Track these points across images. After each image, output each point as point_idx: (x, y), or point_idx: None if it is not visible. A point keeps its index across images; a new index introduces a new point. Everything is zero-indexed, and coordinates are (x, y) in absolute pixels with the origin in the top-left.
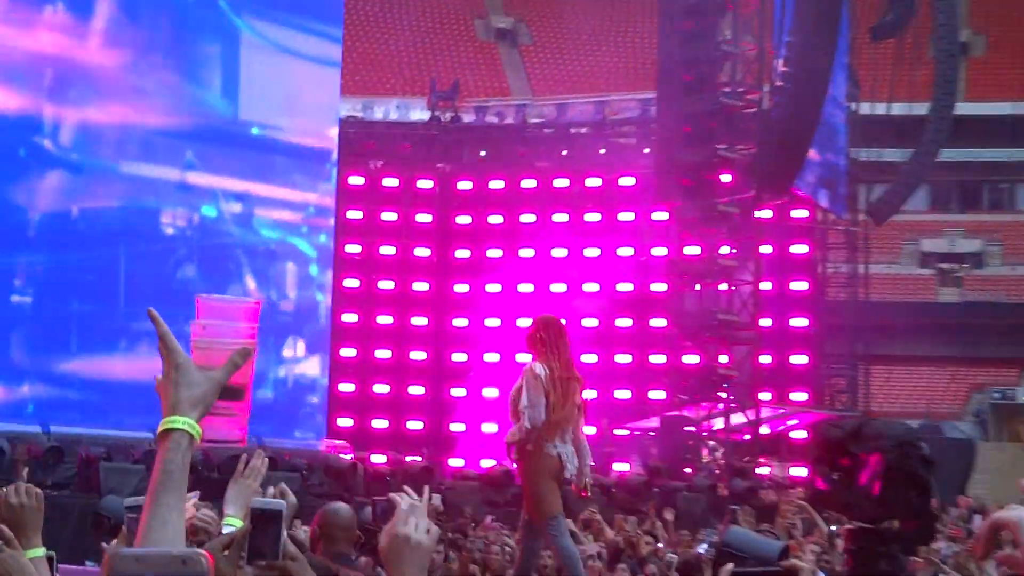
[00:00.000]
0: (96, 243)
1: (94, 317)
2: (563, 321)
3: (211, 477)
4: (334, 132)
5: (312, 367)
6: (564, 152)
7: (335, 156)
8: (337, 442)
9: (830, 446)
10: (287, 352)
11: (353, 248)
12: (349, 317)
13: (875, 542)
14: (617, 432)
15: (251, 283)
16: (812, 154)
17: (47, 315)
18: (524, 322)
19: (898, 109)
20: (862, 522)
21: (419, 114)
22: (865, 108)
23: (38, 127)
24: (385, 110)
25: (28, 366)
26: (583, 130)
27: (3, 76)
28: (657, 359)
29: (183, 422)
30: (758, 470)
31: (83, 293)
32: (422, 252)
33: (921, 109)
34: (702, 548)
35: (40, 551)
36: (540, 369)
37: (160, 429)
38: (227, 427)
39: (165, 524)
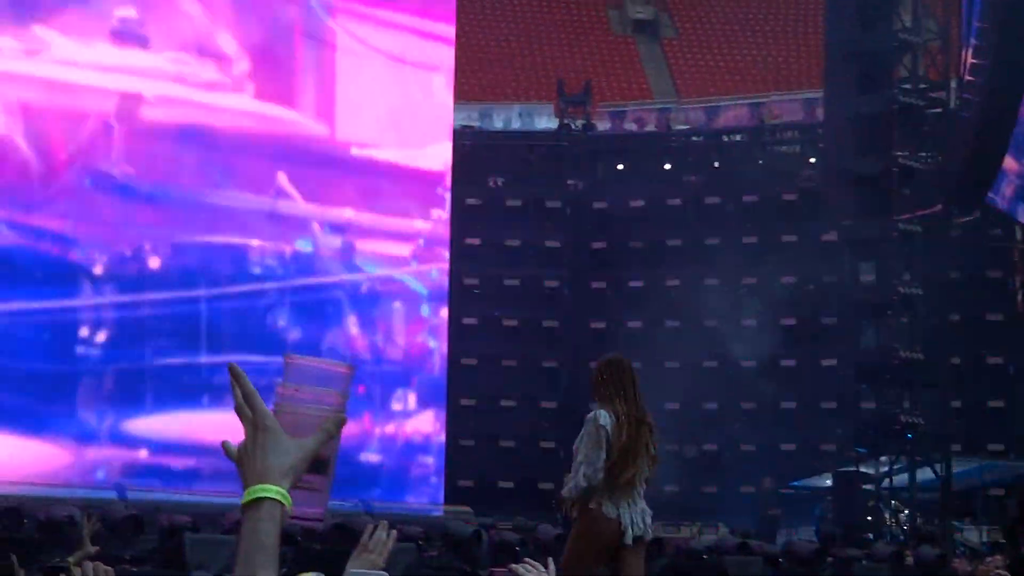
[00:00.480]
0: (173, 284)
1: (172, 370)
2: (630, 361)
3: (312, 548)
4: (447, 149)
5: (425, 422)
6: (715, 164)
7: (449, 178)
8: (457, 507)
9: None
10: (396, 406)
11: (472, 279)
12: (468, 359)
13: None
14: (782, 491)
15: (353, 328)
16: (1009, 161)
17: (118, 368)
18: (672, 364)
19: None
20: None
21: (546, 122)
22: None
23: (104, 151)
24: (506, 118)
25: (97, 426)
26: (737, 137)
27: (61, 93)
28: (828, 405)
29: (275, 491)
30: (950, 535)
31: (159, 342)
32: (552, 283)
33: None
34: None
35: None
36: (605, 419)
37: (248, 498)
38: (308, 503)
39: None
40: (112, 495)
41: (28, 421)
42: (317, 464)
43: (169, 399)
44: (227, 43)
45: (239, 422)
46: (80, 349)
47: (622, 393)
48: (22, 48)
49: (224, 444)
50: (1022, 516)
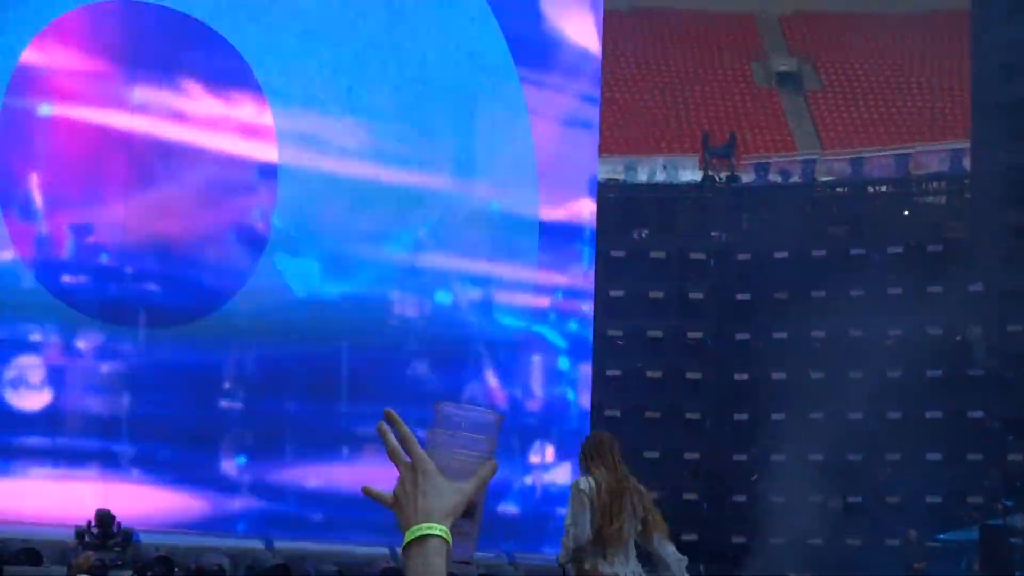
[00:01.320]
0: (314, 336)
1: (313, 420)
2: (614, 436)
3: None
4: (588, 204)
5: (563, 475)
6: (860, 215)
7: (588, 231)
8: None
9: None
10: (534, 458)
11: (615, 331)
12: (611, 411)
13: None
14: (928, 543)
15: (492, 380)
16: None
17: (259, 419)
18: (816, 415)
19: None
20: None
21: (690, 174)
22: None
23: (249, 205)
24: (650, 170)
25: (239, 476)
26: (883, 188)
27: (208, 142)
28: (974, 457)
29: (441, 529)
30: None
31: (300, 393)
32: (695, 334)
33: None
34: None
35: None
36: (585, 484)
37: (414, 535)
38: (458, 547)
39: None
40: (259, 544)
41: (172, 471)
42: (469, 509)
43: (309, 450)
44: (370, 98)
45: (377, 471)
46: (223, 401)
47: (601, 461)
48: (231, 113)
49: (366, 489)
50: None
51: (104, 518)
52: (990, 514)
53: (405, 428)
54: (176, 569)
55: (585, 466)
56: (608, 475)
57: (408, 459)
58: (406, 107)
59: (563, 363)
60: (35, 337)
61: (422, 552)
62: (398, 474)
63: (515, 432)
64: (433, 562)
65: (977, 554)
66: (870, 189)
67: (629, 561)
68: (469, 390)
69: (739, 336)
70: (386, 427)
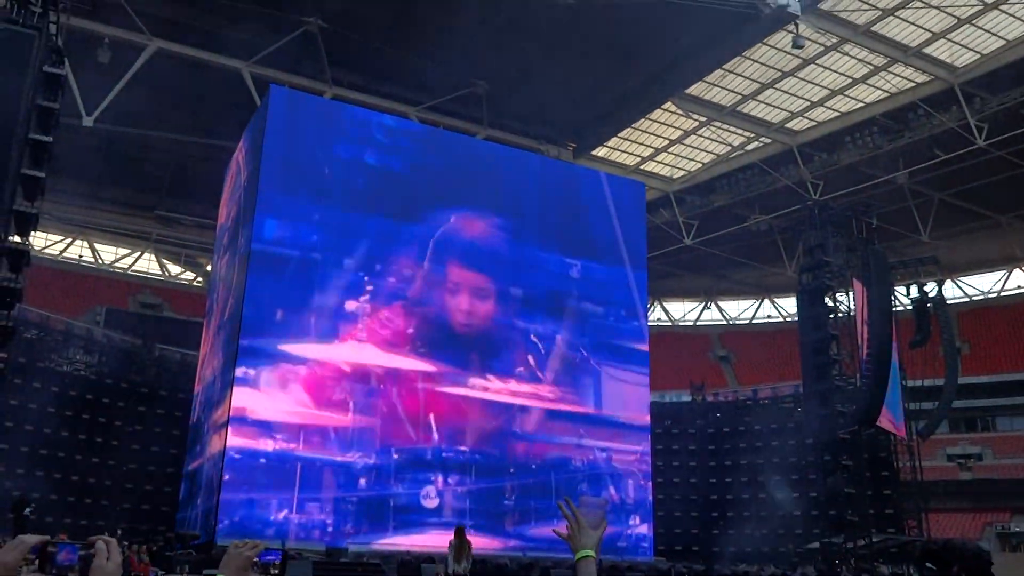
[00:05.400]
0: (532, 472)
1: (535, 510)
2: (463, 527)
3: None
4: (645, 415)
5: (644, 529)
6: (756, 412)
7: (648, 426)
8: (659, 559)
9: None
10: (631, 521)
11: (659, 463)
12: (661, 496)
13: None
14: (799, 549)
15: (612, 490)
16: (885, 406)
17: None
18: (760, 493)
19: (928, 382)
20: None
21: (687, 398)
22: (910, 383)
23: (512, 426)
24: (678, 397)
25: (511, 531)
26: (766, 402)
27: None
28: (817, 512)
29: (591, 552)
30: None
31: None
32: (692, 463)
33: (940, 381)
34: None
35: None
36: (452, 542)
37: (580, 556)
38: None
39: None
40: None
41: (481, 526)
42: (598, 544)
43: (527, 525)
44: (545, 369)
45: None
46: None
47: (457, 534)
48: (482, 384)
49: (555, 531)
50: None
51: (459, 532)
52: (825, 536)
53: (573, 506)
54: (508, 563)
55: (455, 535)
56: (460, 539)
57: (574, 520)
58: (564, 375)
59: (643, 482)
60: (432, 478)
61: (585, 564)
62: (566, 525)
63: (623, 512)
64: (590, 568)
65: (819, 554)
66: (763, 402)
67: (462, 566)
68: (604, 494)
69: (711, 463)
70: (563, 504)
